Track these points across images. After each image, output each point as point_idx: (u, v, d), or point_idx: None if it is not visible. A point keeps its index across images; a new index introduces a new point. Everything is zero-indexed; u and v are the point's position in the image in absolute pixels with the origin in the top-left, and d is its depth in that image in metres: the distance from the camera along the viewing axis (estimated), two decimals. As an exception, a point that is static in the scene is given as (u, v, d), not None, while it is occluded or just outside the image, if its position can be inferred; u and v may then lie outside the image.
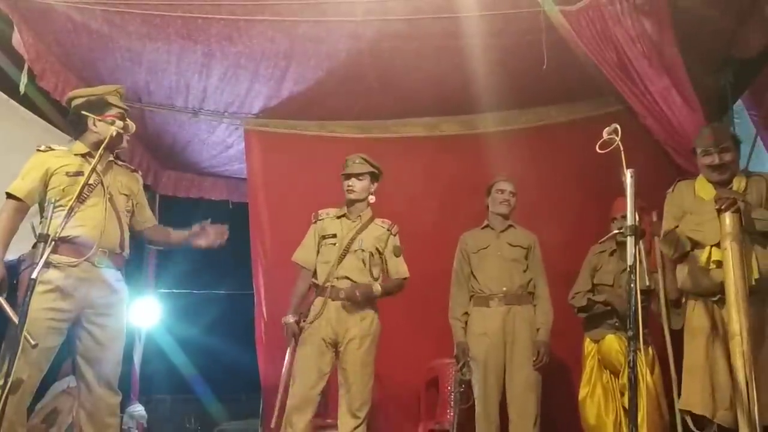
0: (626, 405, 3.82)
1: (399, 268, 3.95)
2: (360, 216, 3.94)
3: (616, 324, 4.03)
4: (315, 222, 4.02)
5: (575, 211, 5.09)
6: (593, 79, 4.39)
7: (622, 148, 2.68)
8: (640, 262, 2.67)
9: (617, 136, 2.69)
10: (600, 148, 2.71)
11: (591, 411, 4.06)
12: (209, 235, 3.45)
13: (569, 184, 5.21)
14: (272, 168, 5.70)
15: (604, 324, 4.11)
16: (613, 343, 4.01)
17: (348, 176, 3.92)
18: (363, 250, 3.84)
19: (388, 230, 3.97)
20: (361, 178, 3.92)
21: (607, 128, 2.73)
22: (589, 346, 4.18)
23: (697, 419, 3.17)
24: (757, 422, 2.70)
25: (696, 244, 3.24)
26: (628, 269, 2.55)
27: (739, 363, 2.80)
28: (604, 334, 4.09)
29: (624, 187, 2.63)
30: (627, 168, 2.63)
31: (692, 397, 3.20)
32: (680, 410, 3.25)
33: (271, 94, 5.26)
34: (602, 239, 4.08)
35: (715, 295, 3.16)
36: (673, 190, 3.50)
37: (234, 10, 4.21)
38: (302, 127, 5.73)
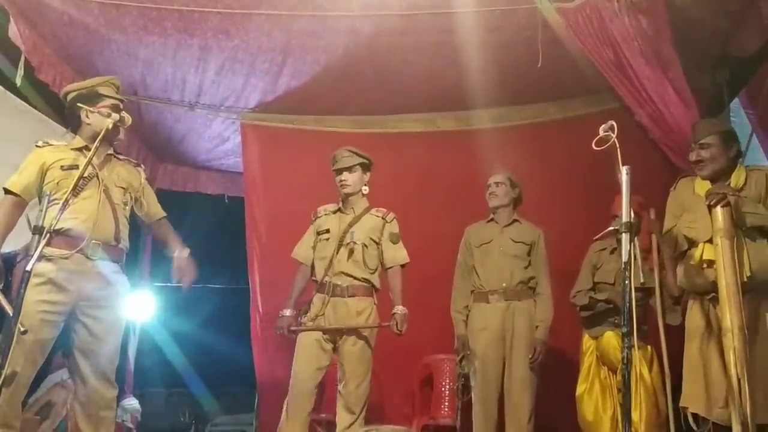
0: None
1: (396, 254, 3.93)
2: (353, 208, 3.94)
3: (616, 321, 3.99)
4: (314, 219, 4.04)
5: (570, 208, 5.11)
6: (589, 77, 4.40)
7: (618, 145, 2.69)
8: (635, 258, 2.68)
9: (613, 133, 2.70)
10: (596, 145, 2.72)
11: (588, 407, 4.05)
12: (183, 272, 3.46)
13: (565, 181, 5.21)
14: (268, 162, 5.70)
15: (605, 322, 4.08)
16: (611, 339, 3.99)
17: (340, 171, 3.93)
18: (355, 243, 3.84)
19: (383, 218, 3.96)
20: (353, 171, 3.92)
21: (603, 125, 2.74)
22: (587, 342, 4.16)
23: (696, 416, 3.18)
24: (749, 419, 2.70)
25: (691, 242, 3.24)
26: (623, 266, 2.56)
27: (731, 359, 2.79)
28: (604, 331, 4.07)
29: (619, 184, 2.65)
30: (623, 165, 2.64)
31: (689, 395, 3.20)
32: (681, 407, 3.25)
33: (268, 88, 5.26)
34: (598, 236, 4.08)
35: (709, 293, 3.14)
36: (674, 188, 3.47)
37: (230, 4, 4.20)
38: (298, 121, 5.73)
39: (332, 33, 4.49)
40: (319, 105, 5.53)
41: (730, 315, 2.83)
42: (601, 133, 2.73)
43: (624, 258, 2.57)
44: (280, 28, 4.42)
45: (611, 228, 3.59)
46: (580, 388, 4.11)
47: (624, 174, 2.63)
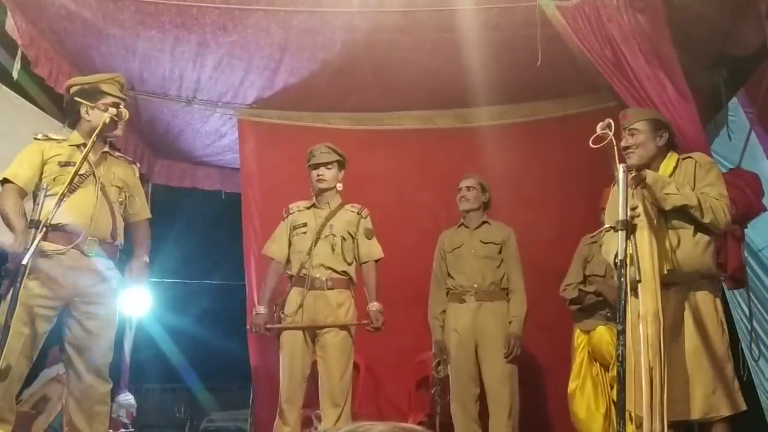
0: (616, 398, 3.83)
1: (371, 249, 3.99)
2: (329, 203, 4.00)
3: (608, 315, 3.99)
4: (286, 216, 4.08)
5: (567, 205, 5.11)
6: (587, 75, 4.38)
7: (615, 143, 2.69)
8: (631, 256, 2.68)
9: (610, 131, 2.70)
10: (593, 143, 2.72)
11: (581, 404, 4.05)
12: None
13: (562, 178, 5.21)
14: (265, 158, 5.70)
15: (596, 315, 4.08)
16: (604, 335, 3.98)
17: (317, 166, 3.97)
18: (334, 235, 3.89)
19: (358, 214, 4.03)
20: (329, 167, 3.98)
21: (600, 123, 2.74)
22: (579, 338, 4.14)
23: None
24: (657, 411, 2.69)
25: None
26: (619, 263, 2.56)
27: (641, 348, 2.78)
28: (595, 325, 4.06)
29: (616, 181, 2.65)
30: (619, 163, 2.64)
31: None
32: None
33: (265, 84, 5.25)
34: (594, 233, 4.07)
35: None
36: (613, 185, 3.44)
37: (229, 0, 4.19)
38: (296, 118, 5.72)
39: (330, 29, 4.48)
40: (316, 101, 5.52)
41: (644, 302, 2.81)
42: (599, 130, 2.74)
43: (620, 256, 2.57)
44: (278, 24, 4.41)
45: (607, 226, 3.57)
46: (572, 385, 4.11)
47: (621, 172, 2.63)
